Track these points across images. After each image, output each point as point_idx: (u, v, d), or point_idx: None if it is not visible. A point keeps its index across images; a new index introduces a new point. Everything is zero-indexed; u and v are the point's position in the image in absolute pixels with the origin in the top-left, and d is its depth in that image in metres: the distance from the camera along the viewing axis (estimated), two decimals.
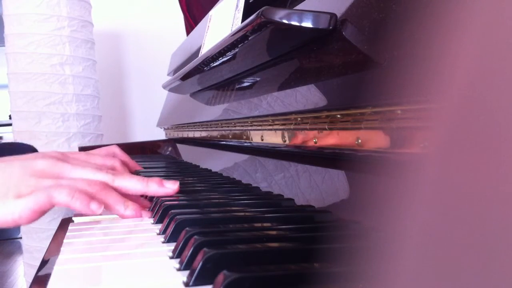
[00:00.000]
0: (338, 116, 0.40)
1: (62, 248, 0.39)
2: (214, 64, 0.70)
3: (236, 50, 0.58)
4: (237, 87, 0.72)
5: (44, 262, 0.39)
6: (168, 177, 0.72)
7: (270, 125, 0.56)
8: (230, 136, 0.75)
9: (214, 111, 0.83)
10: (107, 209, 0.49)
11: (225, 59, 0.65)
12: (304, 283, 0.26)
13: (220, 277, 0.26)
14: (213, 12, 0.87)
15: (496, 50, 0.12)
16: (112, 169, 0.58)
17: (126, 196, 0.52)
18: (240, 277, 0.25)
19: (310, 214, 0.44)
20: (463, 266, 0.11)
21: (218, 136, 0.83)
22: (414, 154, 0.29)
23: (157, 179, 0.54)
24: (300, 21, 0.42)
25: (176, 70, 1.32)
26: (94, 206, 0.47)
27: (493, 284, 0.11)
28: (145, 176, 0.55)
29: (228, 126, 0.76)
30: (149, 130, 2.07)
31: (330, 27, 0.41)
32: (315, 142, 0.45)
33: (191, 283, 0.28)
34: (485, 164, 0.12)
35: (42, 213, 0.46)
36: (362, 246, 0.28)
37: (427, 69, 0.27)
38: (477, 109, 0.12)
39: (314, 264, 0.28)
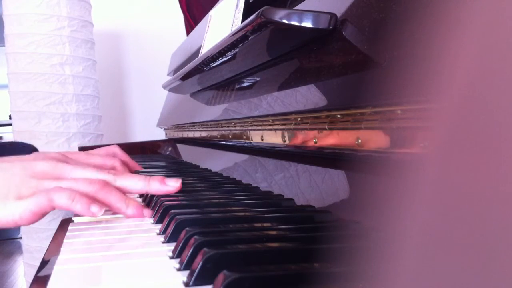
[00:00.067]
0: (338, 116, 0.40)
1: (62, 248, 0.39)
2: (214, 64, 0.70)
3: (236, 50, 0.58)
4: (237, 87, 0.72)
5: (44, 262, 0.39)
6: (168, 177, 0.72)
7: (270, 125, 0.56)
8: (230, 136, 0.75)
9: (214, 111, 0.83)
10: (109, 208, 0.49)
11: (225, 59, 0.65)
12: (304, 283, 0.26)
13: (220, 277, 0.26)
14: (213, 12, 0.87)
15: (496, 50, 0.12)
16: (112, 169, 0.58)
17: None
18: (240, 277, 0.25)
19: (310, 214, 0.44)
20: (463, 266, 0.11)
21: (218, 136, 0.83)
22: (414, 154, 0.29)
23: (159, 177, 0.54)
24: (300, 21, 0.42)
25: (176, 70, 1.32)
26: (94, 208, 0.47)
27: (493, 284, 0.11)
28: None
29: (228, 126, 0.76)
30: (149, 130, 2.07)
31: (330, 27, 0.41)
32: (315, 142, 0.45)
33: (191, 283, 0.28)
34: (485, 164, 0.12)
35: (42, 215, 0.46)
36: (362, 246, 0.28)
37: (427, 69, 0.27)
38: (477, 109, 0.12)
39: (314, 264, 0.28)
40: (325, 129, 0.42)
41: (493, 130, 0.11)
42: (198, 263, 0.29)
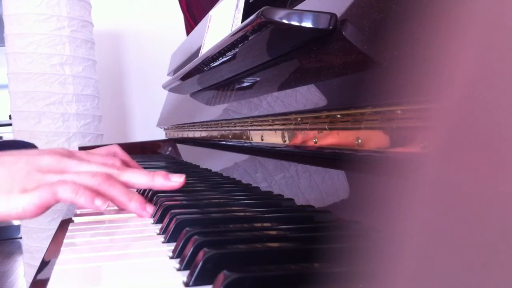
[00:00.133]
0: (338, 116, 0.40)
1: (62, 248, 0.39)
2: (214, 64, 0.70)
3: (236, 50, 0.58)
4: (237, 87, 0.72)
5: (44, 262, 0.39)
6: None
7: (270, 125, 0.56)
8: (230, 136, 0.75)
9: (214, 111, 0.83)
10: (112, 201, 0.49)
11: (225, 59, 0.65)
12: (304, 283, 0.26)
13: (220, 277, 0.26)
14: (213, 12, 0.87)
15: (496, 50, 0.12)
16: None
17: None
18: (240, 277, 0.26)
19: (310, 214, 0.44)
20: (463, 266, 0.11)
21: (218, 136, 0.83)
22: (414, 154, 0.29)
23: (163, 172, 0.54)
24: (300, 21, 0.42)
25: (176, 70, 1.32)
26: (98, 202, 0.47)
27: (493, 284, 0.11)
28: None
29: (228, 126, 0.76)
30: (149, 130, 2.07)
31: (330, 27, 0.41)
32: (315, 142, 0.45)
33: (191, 283, 0.28)
34: (485, 164, 0.12)
35: (46, 208, 0.46)
36: (362, 246, 0.28)
37: (427, 69, 0.27)
38: (477, 109, 0.12)
39: (314, 264, 0.28)
40: (325, 129, 0.42)
41: (493, 130, 0.11)
42: (198, 263, 0.29)
